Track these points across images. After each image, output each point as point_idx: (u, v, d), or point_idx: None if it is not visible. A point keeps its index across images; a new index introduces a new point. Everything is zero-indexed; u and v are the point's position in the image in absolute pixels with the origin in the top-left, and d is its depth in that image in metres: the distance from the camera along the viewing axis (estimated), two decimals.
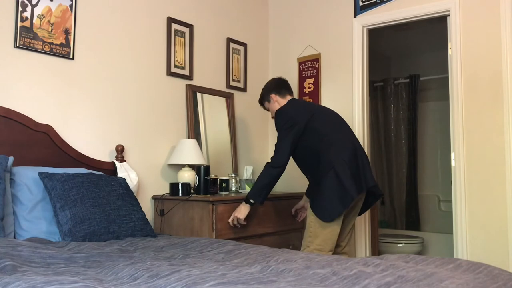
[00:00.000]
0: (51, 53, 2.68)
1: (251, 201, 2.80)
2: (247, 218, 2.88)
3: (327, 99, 3.88)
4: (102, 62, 2.95)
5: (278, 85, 2.96)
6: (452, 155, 3.31)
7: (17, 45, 2.53)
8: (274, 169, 2.74)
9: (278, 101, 2.91)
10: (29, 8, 2.58)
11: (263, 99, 3.01)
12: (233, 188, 3.42)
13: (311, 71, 3.97)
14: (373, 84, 5.37)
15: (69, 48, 2.76)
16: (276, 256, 1.78)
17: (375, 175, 4.68)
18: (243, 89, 3.96)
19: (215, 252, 1.93)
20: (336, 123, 2.82)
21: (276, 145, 2.77)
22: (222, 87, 3.78)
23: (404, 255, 1.73)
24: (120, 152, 2.92)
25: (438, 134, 5.31)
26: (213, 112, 3.67)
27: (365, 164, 2.72)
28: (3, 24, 2.49)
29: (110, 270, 1.47)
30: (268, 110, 3.04)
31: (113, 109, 3.00)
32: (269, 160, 2.78)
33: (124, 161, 2.93)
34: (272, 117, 2.92)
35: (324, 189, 2.62)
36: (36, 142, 2.56)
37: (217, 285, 1.23)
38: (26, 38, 2.57)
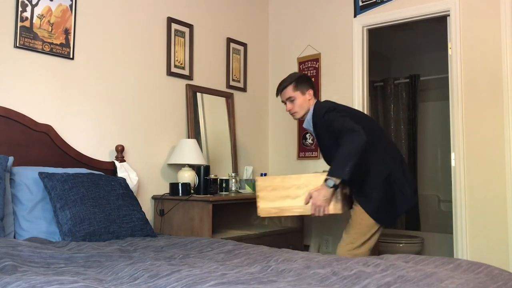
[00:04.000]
0: (51, 53, 2.68)
1: (332, 182, 2.28)
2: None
3: (327, 99, 3.87)
4: (102, 62, 2.95)
5: (314, 87, 2.69)
6: (452, 155, 3.30)
7: (17, 45, 2.53)
8: (355, 136, 2.30)
9: (311, 100, 2.63)
10: (29, 8, 2.58)
11: (299, 86, 2.61)
12: (233, 188, 3.42)
13: (311, 71, 3.97)
14: (373, 84, 5.37)
15: (69, 48, 2.76)
16: (276, 256, 1.78)
17: None
18: (243, 89, 3.96)
19: (215, 252, 1.93)
20: (380, 130, 2.70)
21: (339, 130, 2.38)
22: (222, 87, 3.78)
23: (404, 255, 1.73)
24: (120, 152, 2.92)
25: (438, 134, 5.31)
26: (213, 112, 3.67)
27: (410, 175, 2.60)
28: (3, 24, 2.49)
29: (110, 270, 1.47)
30: (288, 98, 2.62)
31: (113, 109, 3.00)
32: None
33: (124, 161, 2.93)
34: (289, 110, 2.63)
35: (383, 194, 2.44)
36: (36, 142, 2.56)
37: (217, 285, 1.22)
38: (26, 38, 2.57)
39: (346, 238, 2.52)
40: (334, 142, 2.41)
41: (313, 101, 2.64)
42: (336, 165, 2.28)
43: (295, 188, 2.43)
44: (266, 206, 2.46)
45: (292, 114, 2.66)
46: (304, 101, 2.61)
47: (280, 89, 2.66)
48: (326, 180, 2.30)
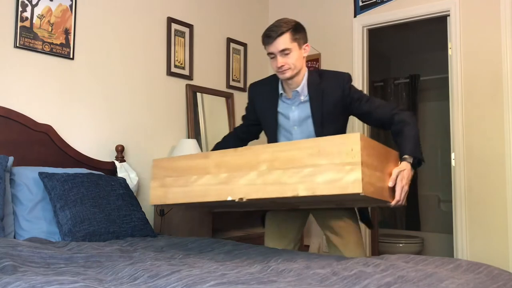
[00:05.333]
0: (51, 53, 2.68)
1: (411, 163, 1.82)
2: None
3: None
4: (102, 62, 2.95)
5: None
6: (452, 155, 3.30)
7: (17, 45, 2.53)
8: (414, 117, 1.98)
9: (305, 59, 2.11)
10: (29, 8, 2.58)
11: (297, 35, 2.03)
12: None
13: None
14: (373, 84, 5.37)
15: (69, 48, 2.76)
16: (276, 256, 1.78)
17: None
18: (243, 89, 3.96)
19: (215, 252, 1.93)
20: None
21: (377, 104, 2.05)
22: (222, 87, 3.78)
23: (404, 255, 1.73)
24: (120, 152, 2.92)
25: (438, 134, 5.31)
26: (213, 112, 3.67)
27: None
28: (3, 24, 2.49)
29: (110, 270, 1.47)
30: (282, 50, 2.01)
31: (113, 109, 3.00)
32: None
33: (124, 161, 2.93)
34: (281, 66, 2.03)
35: None
36: (36, 142, 2.56)
37: (217, 285, 1.22)
38: (26, 38, 2.56)
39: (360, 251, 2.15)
40: (337, 119, 2.06)
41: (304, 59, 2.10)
42: (414, 144, 1.88)
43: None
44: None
45: (284, 70, 2.04)
46: (299, 58, 2.05)
47: (274, 35, 2.00)
48: (405, 159, 1.81)
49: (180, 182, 1.83)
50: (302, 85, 2.09)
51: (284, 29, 1.99)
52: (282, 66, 2.02)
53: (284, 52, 2.01)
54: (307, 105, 2.08)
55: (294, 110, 2.11)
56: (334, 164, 1.47)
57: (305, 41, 2.08)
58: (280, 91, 2.16)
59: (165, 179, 1.89)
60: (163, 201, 1.88)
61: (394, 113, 1.98)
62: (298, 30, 2.04)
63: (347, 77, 2.09)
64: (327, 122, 2.04)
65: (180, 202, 1.84)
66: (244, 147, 1.76)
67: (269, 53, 2.07)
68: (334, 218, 2.17)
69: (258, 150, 1.64)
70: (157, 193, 1.91)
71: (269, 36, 2.02)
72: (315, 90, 2.07)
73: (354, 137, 1.46)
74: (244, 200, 1.63)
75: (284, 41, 1.99)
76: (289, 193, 1.54)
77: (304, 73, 2.11)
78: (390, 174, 1.69)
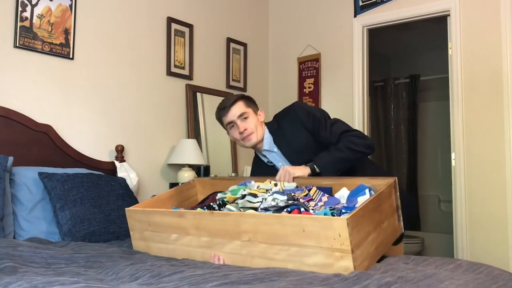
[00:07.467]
0: (51, 53, 2.67)
1: (316, 169, 1.96)
2: None
3: (327, 99, 3.88)
4: (102, 62, 2.95)
5: None
6: (452, 155, 3.31)
7: (17, 45, 2.53)
8: (367, 144, 2.00)
9: (263, 123, 2.17)
10: (29, 8, 2.58)
11: (249, 103, 2.14)
12: None
13: (311, 71, 3.97)
14: (373, 84, 5.37)
15: (69, 48, 2.76)
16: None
17: None
18: (243, 89, 3.96)
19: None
20: None
21: (340, 129, 2.04)
22: (222, 87, 3.78)
23: (404, 256, 1.73)
24: (120, 152, 2.92)
25: (438, 134, 5.31)
26: (213, 112, 3.66)
27: None
28: (3, 24, 2.49)
29: (111, 270, 1.47)
30: (240, 116, 2.08)
31: (113, 109, 2.99)
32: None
33: (124, 161, 2.93)
34: (244, 131, 2.07)
35: None
36: (36, 142, 2.55)
37: (220, 285, 1.23)
38: (26, 38, 2.56)
39: None
40: (313, 145, 2.07)
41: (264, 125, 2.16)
42: (331, 160, 1.96)
43: None
44: None
45: (247, 136, 2.07)
46: (258, 122, 2.11)
47: (228, 105, 2.08)
48: (312, 165, 1.96)
49: (160, 238, 1.83)
50: (266, 141, 2.13)
51: (236, 98, 2.10)
52: (245, 130, 2.07)
53: (243, 116, 2.07)
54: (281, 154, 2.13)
55: (278, 160, 2.16)
56: (322, 248, 1.41)
57: (257, 108, 2.16)
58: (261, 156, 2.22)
59: (143, 232, 1.90)
60: (147, 252, 1.89)
61: (343, 136, 2.01)
62: (248, 99, 2.13)
63: (296, 107, 2.11)
64: (307, 155, 2.03)
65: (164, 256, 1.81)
66: (219, 212, 1.73)
67: (228, 124, 2.11)
68: None
69: (237, 219, 1.58)
70: (139, 244, 1.94)
71: (223, 108, 2.09)
72: (281, 141, 2.11)
73: (341, 222, 1.36)
74: None
75: (239, 107, 2.08)
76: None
77: (264, 133, 2.14)
78: (387, 214, 1.66)
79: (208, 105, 3.62)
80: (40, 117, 2.61)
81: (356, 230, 1.40)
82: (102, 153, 2.91)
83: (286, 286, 1.24)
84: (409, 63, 5.62)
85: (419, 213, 5.26)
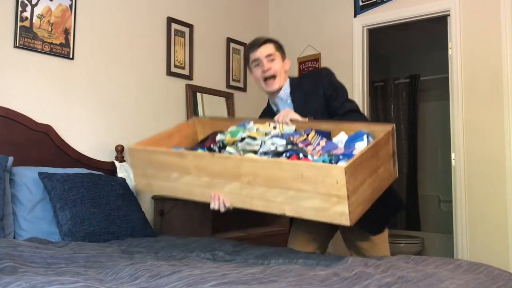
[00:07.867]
0: (51, 53, 2.67)
1: None
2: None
3: None
4: (102, 62, 2.95)
5: None
6: (452, 155, 3.31)
7: (17, 45, 2.53)
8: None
9: (287, 70, 2.16)
10: (29, 8, 2.58)
11: (280, 49, 2.14)
12: None
13: None
14: (373, 84, 5.37)
15: (69, 48, 2.76)
16: (277, 256, 1.78)
17: None
18: (243, 89, 3.96)
19: (215, 252, 1.93)
20: None
21: (350, 107, 2.09)
22: (222, 87, 3.78)
23: (405, 256, 1.73)
24: (120, 152, 2.92)
25: (438, 134, 5.31)
26: (213, 112, 3.67)
27: None
28: (3, 24, 2.49)
29: (111, 270, 1.47)
30: (268, 56, 2.07)
31: (113, 109, 2.99)
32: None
33: (124, 161, 2.93)
34: (267, 70, 2.06)
35: None
36: (36, 142, 2.55)
37: (218, 285, 1.22)
38: (26, 38, 2.56)
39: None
40: (324, 111, 2.07)
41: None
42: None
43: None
44: None
45: (269, 77, 2.07)
46: (283, 68, 2.11)
47: (259, 43, 2.09)
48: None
49: (161, 175, 1.86)
50: (284, 90, 2.12)
51: (267, 39, 2.12)
52: (269, 69, 2.06)
53: (270, 57, 2.07)
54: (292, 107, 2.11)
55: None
56: (319, 193, 1.47)
57: (285, 56, 2.16)
58: (272, 105, 2.21)
59: (145, 169, 1.92)
60: (149, 189, 1.96)
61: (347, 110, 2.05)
62: (280, 45, 2.15)
63: (324, 73, 2.13)
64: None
65: (166, 194, 1.93)
66: (220, 154, 1.75)
67: (253, 61, 2.11)
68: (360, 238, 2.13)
69: (237, 162, 1.63)
70: (140, 181, 1.96)
71: (254, 44, 2.11)
72: (297, 94, 2.10)
73: (339, 171, 1.41)
74: (231, 208, 1.69)
75: (269, 47, 2.09)
76: (276, 211, 1.59)
77: (285, 83, 2.14)
78: (384, 160, 1.74)
79: (208, 105, 3.62)
80: (40, 117, 2.61)
81: (353, 178, 1.45)
82: (102, 153, 2.91)
83: (285, 287, 1.23)
84: (409, 63, 5.62)
85: (419, 213, 5.26)
